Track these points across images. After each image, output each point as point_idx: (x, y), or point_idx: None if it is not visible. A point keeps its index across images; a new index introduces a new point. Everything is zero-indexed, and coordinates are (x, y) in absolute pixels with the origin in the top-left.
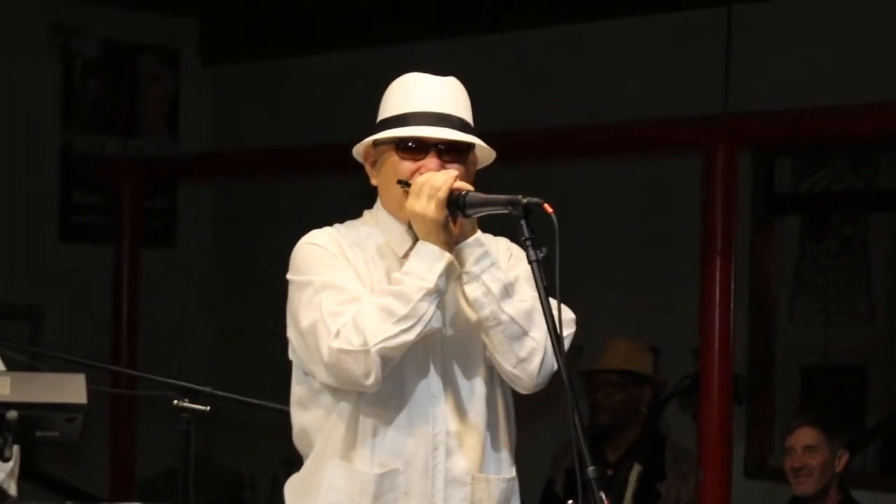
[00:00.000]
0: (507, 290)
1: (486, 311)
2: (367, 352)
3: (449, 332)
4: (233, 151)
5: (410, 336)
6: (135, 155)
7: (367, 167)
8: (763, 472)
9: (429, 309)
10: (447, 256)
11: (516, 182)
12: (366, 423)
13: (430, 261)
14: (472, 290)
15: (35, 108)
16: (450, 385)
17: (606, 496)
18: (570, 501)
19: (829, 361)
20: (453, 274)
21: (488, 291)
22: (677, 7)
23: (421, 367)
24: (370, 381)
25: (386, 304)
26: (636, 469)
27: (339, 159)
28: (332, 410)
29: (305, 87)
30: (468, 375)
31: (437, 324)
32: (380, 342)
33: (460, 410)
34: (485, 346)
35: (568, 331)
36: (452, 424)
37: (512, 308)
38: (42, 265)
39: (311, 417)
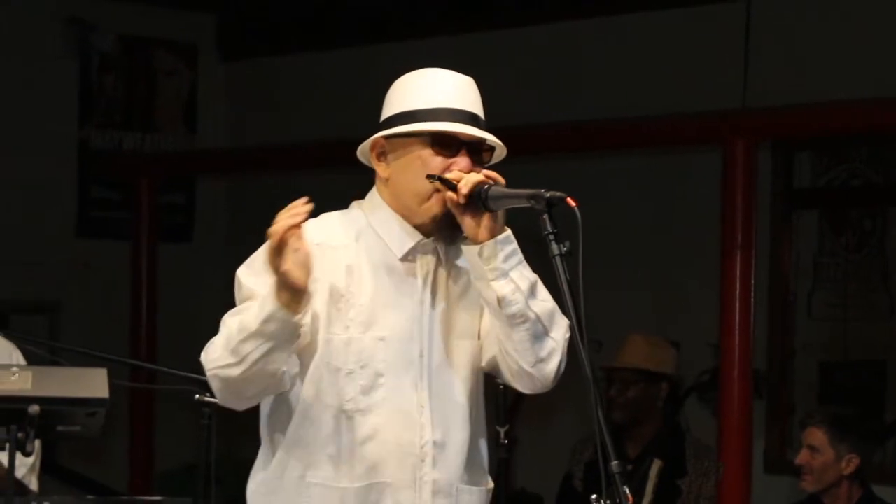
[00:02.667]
0: (533, 290)
1: (513, 309)
2: (209, 372)
3: (437, 341)
4: (249, 147)
5: (234, 373)
6: (152, 150)
7: (373, 158)
8: (782, 466)
9: (252, 352)
10: (274, 305)
11: (533, 177)
12: (353, 432)
13: (261, 304)
14: (501, 286)
15: (52, 104)
16: (436, 395)
17: (629, 491)
18: (594, 496)
19: (848, 356)
20: (287, 328)
21: (517, 289)
22: (696, 1)
23: (410, 377)
24: (218, 398)
25: (230, 330)
26: (657, 464)
27: (355, 155)
28: (307, 414)
29: (322, 82)
30: (454, 386)
31: (273, 366)
32: (213, 368)
33: (446, 420)
34: (474, 355)
35: (566, 335)
36: (438, 435)
37: (538, 307)
38: (60, 260)
39: (284, 414)
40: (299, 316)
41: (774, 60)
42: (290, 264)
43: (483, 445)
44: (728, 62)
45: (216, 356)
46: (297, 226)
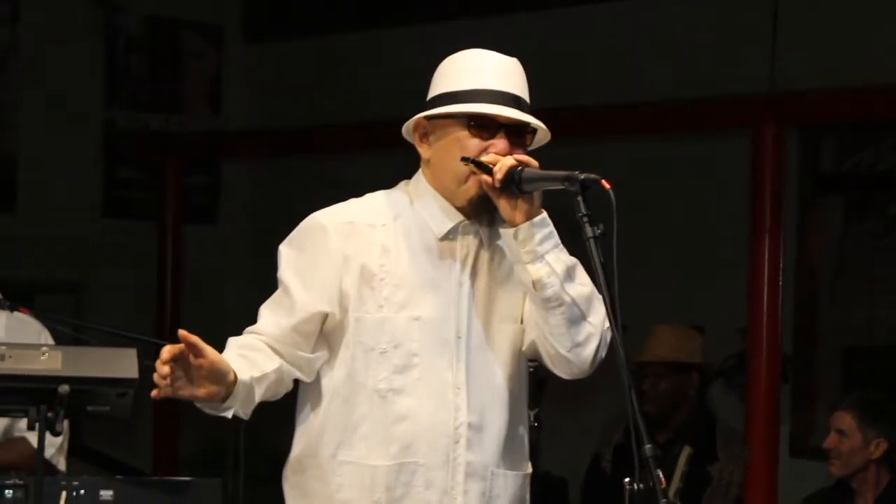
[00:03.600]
0: (570, 273)
1: (548, 292)
2: None
3: (476, 323)
4: (275, 128)
5: None
6: (177, 131)
7: (416, 139)
8: (808, 451)
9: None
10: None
11: (560, 160)
12: (386, 411)
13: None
14: (536, 269)
15: (79, 85)
16: (474, 377)
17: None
18: (627, 479)
19: (872, 341)
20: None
21: (552, 272)
22: None
23: (447, 357)
24: None
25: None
26: (686, 451)
27: (380, 136)
28: (340, 393)
29: (347, 64)
30: (493, 369)
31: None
32: None
33: (483, 403)
34: (515, 339)
35: (606, 321)
36: (474, 417)
37: (574, 291)
38: (86, 240)
39: (320, 394)
40: (225, 406)
41: (802, 44)
42: (190, 391)
43: (523, 430)
44: (756, 46)
45: None
46: (180, 353)
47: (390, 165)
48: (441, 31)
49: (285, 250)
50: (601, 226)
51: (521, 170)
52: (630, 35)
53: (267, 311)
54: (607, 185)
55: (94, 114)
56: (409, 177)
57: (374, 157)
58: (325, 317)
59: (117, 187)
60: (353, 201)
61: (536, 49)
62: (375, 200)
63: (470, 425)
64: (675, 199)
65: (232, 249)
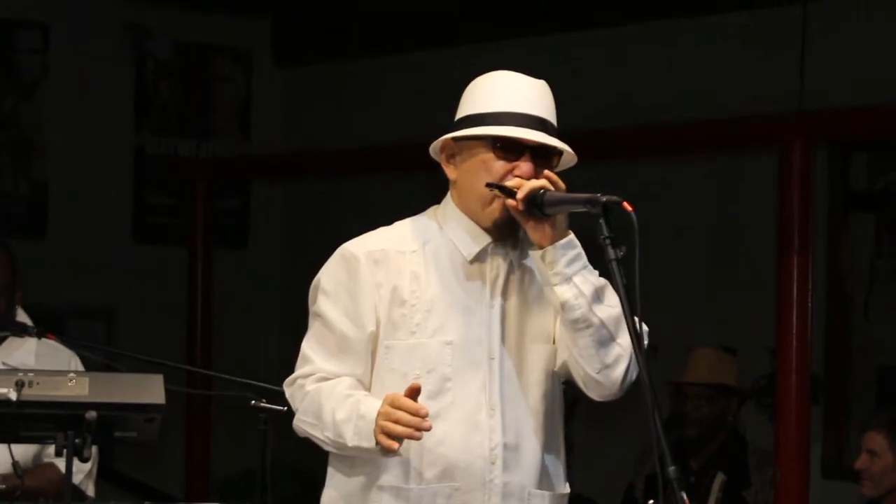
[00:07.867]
0: (598, 295)
1: (576, 314)
2: (296, 419)
3: (509, 344)
4: (304, 152)
5: (325, 447)
6: (207, 156)
7: (443, 160)
8: (840, 471)
9: (347, 450)
10: (370, 445)
11: (588, 181)
12: (423, 437)
13: (358, 432)
14: (564, 291)
15: (108, 110)
16: (508, 398)
17: (688, 497)
18: (651, 501)
19: None
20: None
21: (580, 294)
22: (753, 4)
23: (480, 379)
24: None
25: (322, 411)
26: (719, 478)
27: (410, 159)
28: None
29: (377, 87)
30: (527, 389)
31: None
32: (303, 424)
33: (518, 424)
34: (548, 359)
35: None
36: (510, 437)
37: (603, 312)
38: (116, 266)
39: None
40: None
41: (831, 63)
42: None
43: (559, 450)
44: (785, 65)
45: (307, 418)
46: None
47: (421, 188)
48: (478, 53)
49: (319, 284)
50: (624, 248)
51: (544, 193)
52: (658, 56)
53: (319, 355)
54: (629, 208)
55: (123, 139)
56: (442, 200)
57: (405, 180)
58: (373, 336)
59: (147, 213)
60: (382, 229)
61: (560, 71)
62: (404, 228)
63: (505, 446)
64: (702, 219)
65: (262, 274)
